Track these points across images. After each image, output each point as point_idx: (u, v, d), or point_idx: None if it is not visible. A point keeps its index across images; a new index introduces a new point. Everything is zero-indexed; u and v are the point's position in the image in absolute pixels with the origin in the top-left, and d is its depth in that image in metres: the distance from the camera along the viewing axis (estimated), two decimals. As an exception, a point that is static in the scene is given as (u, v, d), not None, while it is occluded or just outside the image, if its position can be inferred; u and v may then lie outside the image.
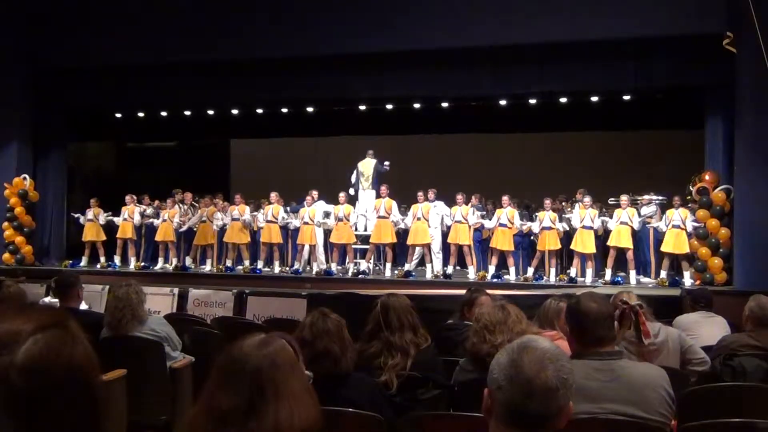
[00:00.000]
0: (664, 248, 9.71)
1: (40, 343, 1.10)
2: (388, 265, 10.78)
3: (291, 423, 1.44)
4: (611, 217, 10.11)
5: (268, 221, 11.15)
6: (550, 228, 10.18)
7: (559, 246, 10.28)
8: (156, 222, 11.80)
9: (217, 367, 1.51)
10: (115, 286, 4.55)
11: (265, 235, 11.16)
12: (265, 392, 1.45)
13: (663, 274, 9.77)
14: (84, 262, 11.88)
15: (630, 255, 9.88)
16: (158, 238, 11.74)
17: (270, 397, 1.45)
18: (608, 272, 9.96)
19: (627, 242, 9.83)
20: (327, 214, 11.06)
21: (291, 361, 1.53)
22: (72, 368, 1.12)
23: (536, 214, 10.70)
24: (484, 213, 11.15)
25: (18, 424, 1.07)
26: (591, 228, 9.96)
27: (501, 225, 10.32)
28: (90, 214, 11.88)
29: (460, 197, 10.62)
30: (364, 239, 11.16)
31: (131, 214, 11.81)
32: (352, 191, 11.65)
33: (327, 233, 11.31)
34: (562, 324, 3.50)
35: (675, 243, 9.58)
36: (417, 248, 10.91)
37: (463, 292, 4.93)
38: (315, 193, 11.19)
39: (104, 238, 11.90)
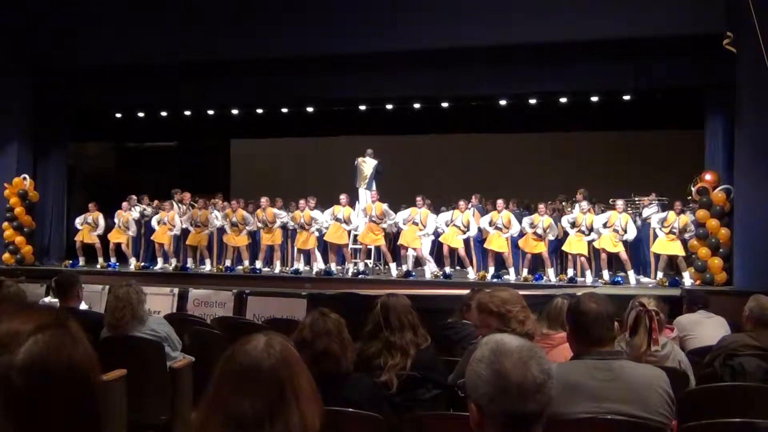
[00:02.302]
0: (654, 249, 9.82)
1: (40, 343, 1.10)
2: (393, 265, 10.78)
3: (313, 422, 1.44)
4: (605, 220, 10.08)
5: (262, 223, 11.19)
6: (540, 235, 10.18)
7: (544, 249, 10.25)
8: (155, 223, 11.79)
9: (227, 372, 1.47)
10: (116, 286, 4.55)
11: (266, 237, 11.20)
12: (285, 394, 1.44)
13: (659, 275, 9.76)
14: (81, 262, 11.86)
15: (623, 256, 9.87)
16: (155, 239, 11.70)
17: (291, 398, 1.44)
18: (605, 273, 9.93)
19: (615, 247, 9.83)
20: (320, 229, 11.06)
21: (298, 359, 1.53)
22: (72, 368, 1.12)
23: (531, 217, 10.58)
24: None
25: (18, 424, 1.06)
26: (583, 232, 9.96)
27: (496, 228, 10.31)
28: (90, 218, 11.86)
29: (462, 204, 10.60)
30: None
31: (125, 222, 11.73)
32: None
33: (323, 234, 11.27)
34: None
35: (666, 246, 9.64)
36: (409, 251, 10.86)
37: (462, 292, 4.94)
38: (312, 202, 11.12)
39: (97, 240, 11.84)
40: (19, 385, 1.07)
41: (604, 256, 9.95)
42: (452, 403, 3.21)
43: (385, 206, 10.76)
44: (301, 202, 11.08)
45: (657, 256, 9.98)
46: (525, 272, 10.37)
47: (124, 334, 4.31)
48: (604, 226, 9.92)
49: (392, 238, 11.53)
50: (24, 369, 1.07)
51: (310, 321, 2.78)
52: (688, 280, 9.51)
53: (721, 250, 9.28)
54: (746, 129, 8.86)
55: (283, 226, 11.35)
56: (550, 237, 10.30)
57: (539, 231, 10.18)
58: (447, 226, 10.55)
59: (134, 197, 12.18)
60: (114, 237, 11.74)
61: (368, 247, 11.03)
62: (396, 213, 10.87)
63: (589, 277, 9.97)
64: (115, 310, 4.31)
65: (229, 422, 1.41)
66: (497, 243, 10.29)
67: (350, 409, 2.60)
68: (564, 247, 10.16)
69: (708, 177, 9.54)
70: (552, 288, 9.27)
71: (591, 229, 9.99)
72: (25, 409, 1.07)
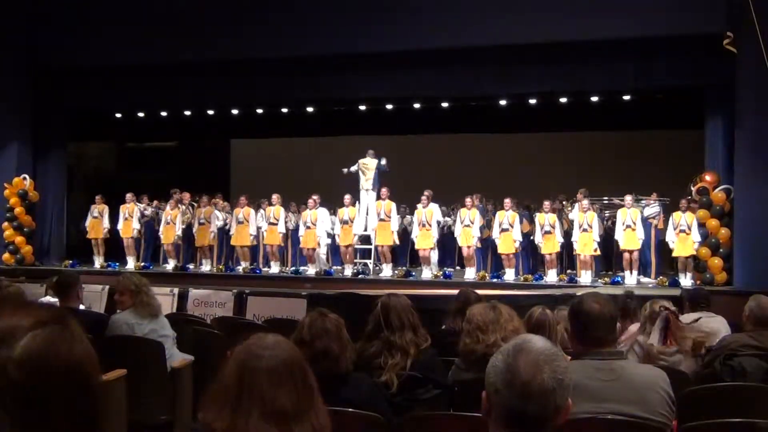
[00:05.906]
0: (675, 253, 9.69)
1: (38, 338, 1.10)
2: (389, 266, 10.76)
3: (328, 418, 1.47)
4: (613, 219, 10.05)
5: (270, 223, 11.17)
6: (549, 232, 10.16)
7: (558, 249, 10.23)
8: (157, 224, 11.78)
9: (256, 369, 1.45)
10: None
11: (268, 237, 11.18)
12: (312, 389, 1.46)
13: (682, 277, 9.64)
14: (96, 261, 11.85)
15: (635, 255, 9.85)
16: (165, 241, 11.69)
17: (315, 394, 1.46)
18: (634, 273, 9.83)
19: (636, 244, 9.80)
20: (333, 224, 11.01)
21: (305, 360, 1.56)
22: (70, 366, 1.12)
23: (535, 215, 10.59)
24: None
25: (15, 418, 1.06)
26: (587, 231, 9.94)
27: (503, 230, 10.27)
28: (96, 211, 11.87)
29: (468, 201, 10.56)
30: (365, 239, 11.14)
31: (131, 212, 11.76)
32: (345, 170, 11.50)
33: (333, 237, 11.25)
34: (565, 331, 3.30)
35: (682, 247, 9.56)
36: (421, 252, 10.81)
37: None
38: (316, 198, 11.12)
39: (107, 235, 11.87)
40: (16, 379, 1.06)
41: (627, 256, 9.82)
42: (452, 403, 3.21)
43: (393, 205, 10.72)
44: (310, 201, 11.04)
45: (658, 257, 9.96)
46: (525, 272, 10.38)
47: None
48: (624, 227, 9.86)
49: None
50: (21, 363, 1.07)
51: (309, 321, 2.77)
52: (688, 280, 9.49)
53: (721, 250, 9.27)
54: (746, 129, 8.86)
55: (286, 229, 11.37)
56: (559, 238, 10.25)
57: (547, 228, 10.15)
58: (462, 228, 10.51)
59: (134, 196, 12.11)
60: (125, 231, 11.72)
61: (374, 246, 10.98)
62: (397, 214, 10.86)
63: (588, 278, 9.95)
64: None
65: (268, 418, 1.40)
66: (507, 244, 10.21)
67: (350, 409, 2.60)
68: (577, 250, 10.06)
69: (708, 177, 9.53)
70: (552, 288, 9.26)
71: (590, 226, 9.97)
72: (22, 403, 1.07)
